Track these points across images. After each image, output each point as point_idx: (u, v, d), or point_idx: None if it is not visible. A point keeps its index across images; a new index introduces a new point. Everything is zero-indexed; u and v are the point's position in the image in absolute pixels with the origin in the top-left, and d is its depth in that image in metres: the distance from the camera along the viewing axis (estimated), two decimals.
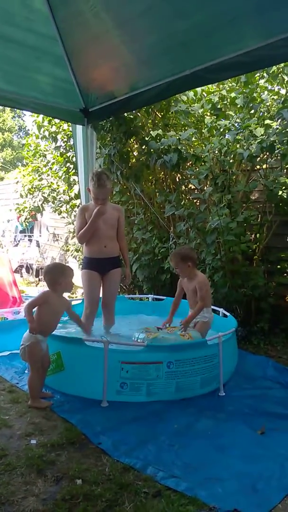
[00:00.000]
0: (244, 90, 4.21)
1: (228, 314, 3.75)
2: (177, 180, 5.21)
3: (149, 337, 3.19)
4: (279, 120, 3.82)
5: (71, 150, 6.12)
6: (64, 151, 6.34)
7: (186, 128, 4.77)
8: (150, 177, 5.29)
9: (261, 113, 4.25)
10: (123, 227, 3.76)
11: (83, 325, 3.31)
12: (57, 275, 2.83)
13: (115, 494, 1.83)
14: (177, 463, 2.08)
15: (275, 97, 4.35)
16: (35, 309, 2.78)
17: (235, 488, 1.90)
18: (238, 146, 4.08)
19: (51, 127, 6.10)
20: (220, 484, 1.92)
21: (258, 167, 4.43)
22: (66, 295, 3.30)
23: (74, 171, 6.11)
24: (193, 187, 4.96)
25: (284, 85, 4.30)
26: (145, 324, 3.68)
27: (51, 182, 7.34)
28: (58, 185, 7.19)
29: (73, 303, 4.44)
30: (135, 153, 5.16)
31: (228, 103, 4.47)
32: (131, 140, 4.91)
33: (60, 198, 7.18)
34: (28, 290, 7.02)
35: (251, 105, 4.17)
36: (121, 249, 3.75)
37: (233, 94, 4.35)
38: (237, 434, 2.39)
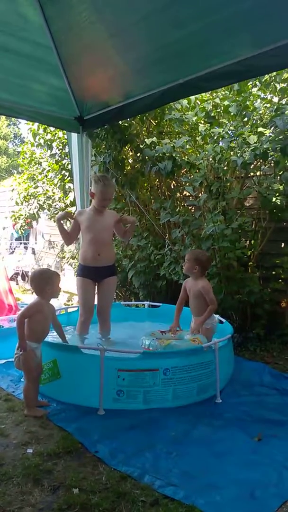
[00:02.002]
0: (237, 98, 4.26)
1: (224, 320, 3.75)
2: (172, 187, 5.24)
3: (162, 345, 3.17)
4: (272, 128, 3.86)
5: (66, 158, 6.14)
6: (59, 158, 6.37)
7: (180, 135, 4.81)
8: (145, 184, 5.32)
9: (254, 121, 4.30)
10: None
11: (64, 336, 3.10)
12: (42, 282, 2.80)
13: (112, 503, 1.82)
14: (174, 471, 2.08)
15: (268, 105, 4.40)
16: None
17: (233, 495, 1.90)
18: (232, 153, 4.12)
19: (46, 135, 6.13)
20: (218, 491, 1.92)
21: (252, 174, 4.47)
22: (63, 301, 3.32)
23: (69, 178, 6.13)
24: (188, 194, 4.99)
25: (276, 93, 4.35)
26: (141, 331, 3.67)
27: (47, 190, 7.35)
28: (53, 193, 7.20)
29: (69, 310, 4.46)
30: (130, 161, 5.19)
31: (221, 111, 4.52)
32: (126, 147, 4.95)
33: (55, 205, 7.19)
34: (24, 297, 7.00)
35: (244, 113, 4.21)
36: (130, 227, 3.74)
37: (226, 102, 4.40)
38: (234, 441, 2.38)
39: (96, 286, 3.69)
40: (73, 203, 6.08)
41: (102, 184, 3.45)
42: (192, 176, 4.48)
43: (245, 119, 4.26)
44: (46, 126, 5.88)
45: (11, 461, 2.14)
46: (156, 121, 5.04)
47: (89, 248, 3.57)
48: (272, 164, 4.20)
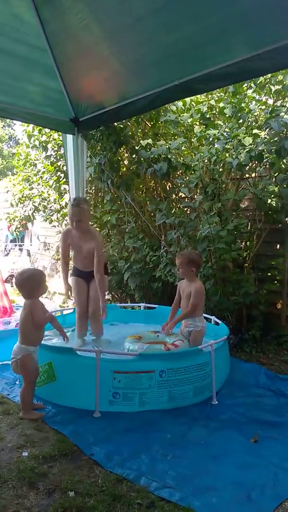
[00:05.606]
0: (232, 100, 4.27)
1: (219, 321, 3.76)
2: (168, 188, 5.24)
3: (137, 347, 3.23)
4: (267, 130, 3.87)
5: (61, 159, 6.13)
6: (54, 160, 6.35)
7: (176, 137, 4.81)
8: (141, 186, 5.32)
9: (249, 123, 4.31)
10: (99, 258, 3.61)
11: None
12: (35, 283, 2.75)
13: (108, 506, 1.81)
14: (170, 473, 2.07)
15: (263, 107, 4.42)
16: (25, 320, 2.73)
17: (229, 497, 1.90)
18: (227, 155, 4.12)
19: (42, 137, 6.12)
20: (214, 493, 1.92)
21: (247, 175, 4.48)
22: (58, 304, 3.32)
23: (64, 180, 6.11)
24: (183, 195, 5.00)
25: (271, 95, 4.37)
26: (136, 333, 3.66)
27: (42, 191, 7.33)
28: (48, 194, 7.18)
29: (65, 312, 4.44)
30: (126, 162, 5.19)
31: (216, 113, 4.53)
32: (122, 149, 4.94)
33: (51, 207, 7.17)
34: (19, 300, 6.96)
35: (239, 114, 4.22)
36: (97, 282, 3.63)
37: (221, 104, 4.41)
38: (230, 443, 2.38)
39: (88, 287, 3.83)
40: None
41: (70, 204, 3.69)
42: (187, 178, 4.49)
43: (240, 121, 4.27)
44: (41, 127, 5.86)
45: (6, 464, 2.12)
46: (152, 123, 5.04)
47: (77, 259, 3.84)
48: (267, 166, 4.21)
